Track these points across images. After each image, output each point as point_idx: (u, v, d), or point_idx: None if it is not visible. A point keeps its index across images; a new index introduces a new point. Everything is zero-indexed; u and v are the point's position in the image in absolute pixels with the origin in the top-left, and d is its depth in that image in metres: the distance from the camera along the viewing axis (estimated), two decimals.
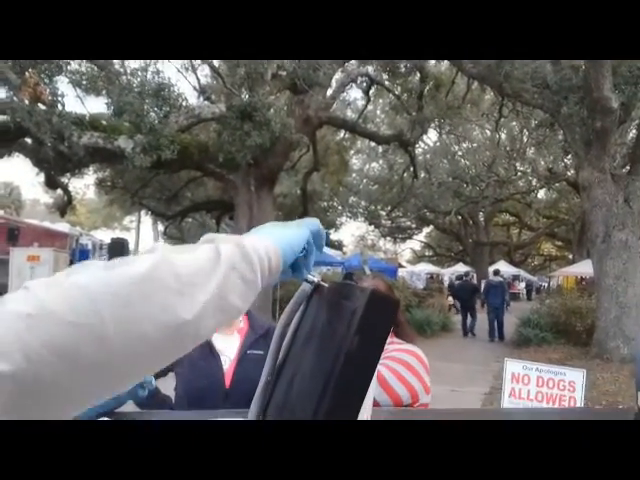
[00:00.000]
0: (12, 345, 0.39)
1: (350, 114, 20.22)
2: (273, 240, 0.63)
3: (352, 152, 27.16)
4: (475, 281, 24.95)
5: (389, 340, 1.81)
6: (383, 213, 31.47)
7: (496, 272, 14.96)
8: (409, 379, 1.70)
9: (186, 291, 0.50)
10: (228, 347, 1.90)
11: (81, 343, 0.42)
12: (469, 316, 14.33)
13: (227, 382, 1.83)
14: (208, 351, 1.87)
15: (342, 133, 22.01)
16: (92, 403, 0.47)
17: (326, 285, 0.77)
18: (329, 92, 14.25)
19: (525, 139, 20.15)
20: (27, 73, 9.12)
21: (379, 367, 1.61)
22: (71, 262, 18.12)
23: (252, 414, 0.76)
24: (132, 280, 0.47)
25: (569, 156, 17.39)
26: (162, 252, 0.52)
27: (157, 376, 1.59)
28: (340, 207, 32.52)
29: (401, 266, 32.73)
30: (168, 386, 1.86)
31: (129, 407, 1.42)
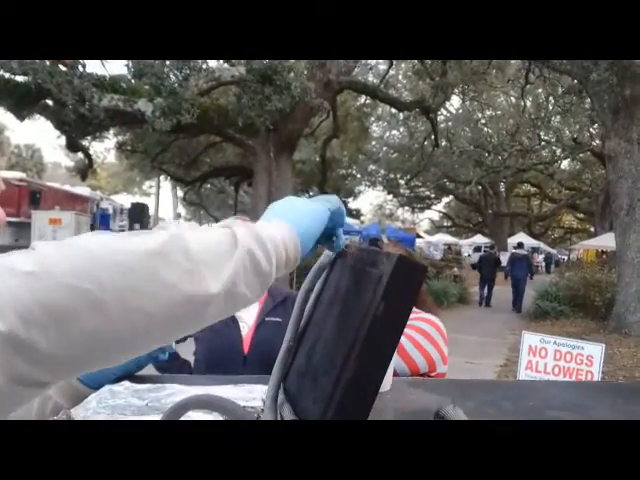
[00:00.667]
0: (6, 302, 0.38)
1: (372, 79, 19.86)
2: (292, 227, 0.60)
3: (372, 119, 26.80)
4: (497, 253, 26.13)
5: None
6: (402, 182, 31.23)
7: (520, 245, 15.28)
8: (427, 348, 1.70)
9: (195, 270, 0.47)
10: (247, 314, 1.93)
11: (77, 307, 0.41)
12: (487, 288, 14.58)
13: (245, 348, 1.86)
14: (228, 317, 1.86)
15: (363, 99, 21.68)
16: (86, 371, 0.46)
17: (351, 250, 0.75)
18: None
19: (551, 107, 19.64)
20: None
21: None
22: (92, 226, 18.41)
23: (273, 380, 0.76)
24: (139, 251, 0.45)
25: (595, 125, 16.95)
26: (176, 229, 0.50)
27: (177, 341, 1.60)
28: (359, 175, 32.37)
29: (419, 236, 32.62)
30: (187, 351, 1.88)
31: (149, 370, 1.44)
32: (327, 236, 0.71)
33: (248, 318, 1.92)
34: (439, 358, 1.72)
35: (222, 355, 1.83)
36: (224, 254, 0.51)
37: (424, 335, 1.72)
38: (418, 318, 1.78)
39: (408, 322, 1.78)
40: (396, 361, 1.64)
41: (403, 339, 1.68)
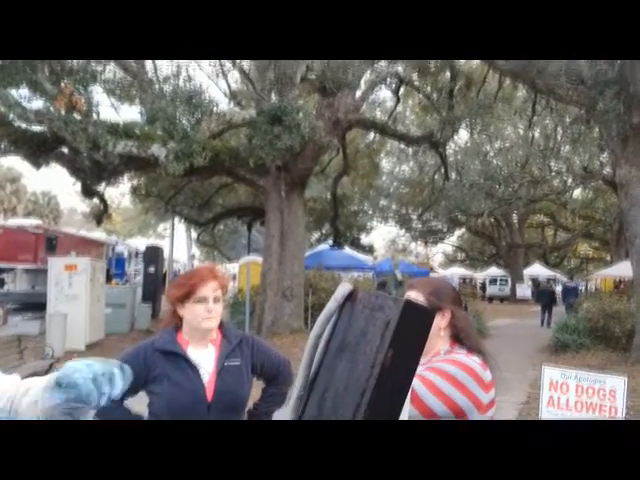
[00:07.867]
0: None
1: (380, 115, 20.15)
2: None
3: (382, 154, 27.06)
4: (510, 284, 30.84)
5: (448, 349, 1.62)
6: (414, 216, 31.26)
7: (571, 278, 22.78)
8: (448, 392, 1.46)
9: None
10: (204, 360, 1.92)
11: None
12: (547, 313, 18.72)
13: (209, 395, 1.85)
14: (185, 366, 1.88)
15: (372, 135, 21.94)
16: None
17: (359, 294, 0.75)
18: (358, 93, 14.21)
19: (559, 137, 19.66)
20: (62, 83, 9.36)
21: None
22: (108, 270, 18.56)
23: None
24: None
25: (605, 153, 16.95)
26: None
27: (125, 394, 1.53)
28: (370, 211, 32.47)
29: (433, 270, 32.44)
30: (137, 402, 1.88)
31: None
32: None
33: (207, 364, 1.91)
34: (469, 405, 1.47)
35: (185, 407, 1.81)
36: None
37: (445, 377, 1.48)
38: (443, 359, 1.56)
39: (431, 364, 1.60)
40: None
41: (415, 381, 1.41)
